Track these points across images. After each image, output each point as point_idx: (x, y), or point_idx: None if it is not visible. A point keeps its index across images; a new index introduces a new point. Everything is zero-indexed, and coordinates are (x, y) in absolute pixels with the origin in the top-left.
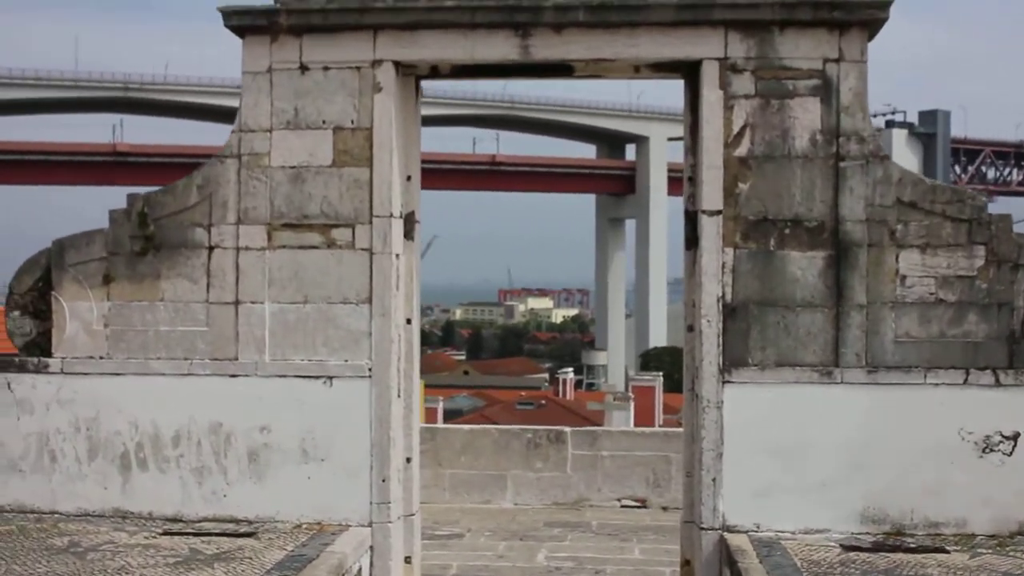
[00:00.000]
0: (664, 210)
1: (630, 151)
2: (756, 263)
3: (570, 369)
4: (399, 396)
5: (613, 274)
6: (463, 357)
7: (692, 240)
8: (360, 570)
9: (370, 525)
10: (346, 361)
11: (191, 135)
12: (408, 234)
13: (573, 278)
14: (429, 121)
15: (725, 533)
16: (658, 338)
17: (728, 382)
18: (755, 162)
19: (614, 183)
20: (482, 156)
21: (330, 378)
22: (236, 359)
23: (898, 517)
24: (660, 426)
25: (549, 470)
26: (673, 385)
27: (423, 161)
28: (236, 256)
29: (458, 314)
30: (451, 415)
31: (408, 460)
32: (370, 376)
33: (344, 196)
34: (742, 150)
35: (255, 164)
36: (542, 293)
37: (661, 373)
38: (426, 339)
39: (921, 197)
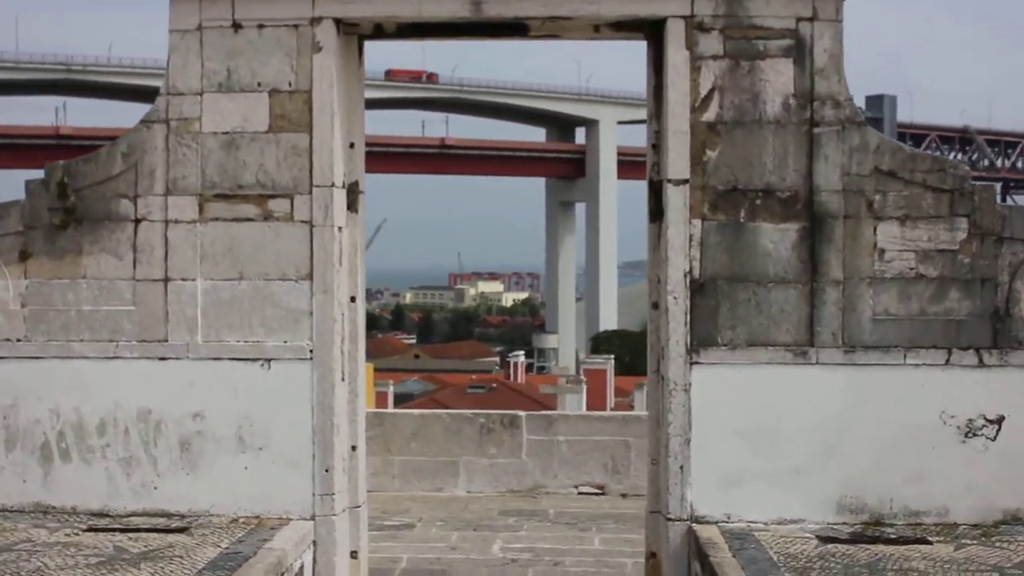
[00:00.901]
0: (614, 193)
1: (580, 134)
2: (725, 236)
3: (521, 352)
4: (343, 379)
5: (563, 257)
6: (413, 341)
7: (657, 212)
8: (302, 567)
9: (313, 519)
10: (285, 342)
11: (135, 117)
12: (352, 205)
13: (523, 262)
14: (377, 104)
15: (694, 524)
16: (608, 321)
17: (696, 363)
18: (724, 128)
19: (564, 166)
20: (431, 139)
21: (268, 360)
22: (166, 341)
23: (876, 506)
24: (612, 409)
25: (503, 456)
26: (623, 368)
27: (371, 144)
28: (165, 229)
29: (408, 298)
30: (401, 399)
31: (354, 448)
32: (311, 358)
33: (282, 164)
34: (710, 115)
35: (184, 130)
36: (492, 277)
37: (612, 356)
38: (376, 323)
39: (900, 166)
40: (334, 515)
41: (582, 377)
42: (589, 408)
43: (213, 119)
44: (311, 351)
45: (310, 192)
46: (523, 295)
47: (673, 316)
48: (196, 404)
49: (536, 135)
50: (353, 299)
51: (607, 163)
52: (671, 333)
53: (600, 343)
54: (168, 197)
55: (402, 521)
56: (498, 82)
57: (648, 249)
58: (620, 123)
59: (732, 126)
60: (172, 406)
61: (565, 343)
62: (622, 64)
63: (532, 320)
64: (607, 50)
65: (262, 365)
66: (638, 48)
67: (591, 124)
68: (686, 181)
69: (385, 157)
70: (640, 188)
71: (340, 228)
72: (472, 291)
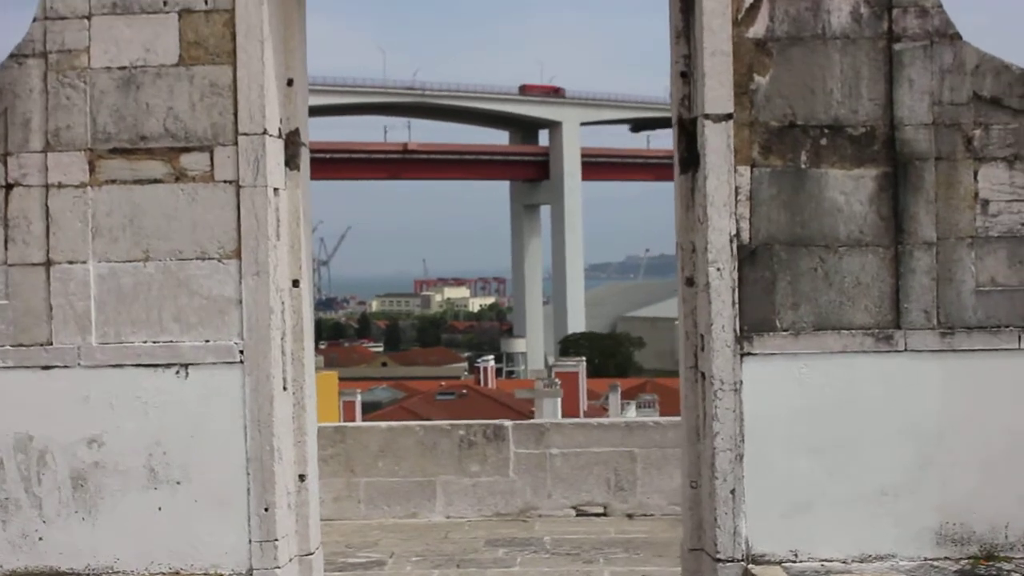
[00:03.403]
0: (579, 195)
1: (543, 137)
2: (782, 187)
3: (491, 357)
4: (285, 388)
5: (529, 261)
6: (380, 349)
7: (689, 159)
8: None
9: (249, 574)
10: (207, 342)
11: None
12: (292, 161)
13: (489, 267)
14: (337, 110)
15: (751, 566)
16: (576, 324)
17: (748, 355)
18: (777, 46)
19: (528, 169)
20: (393, 144)
21: (185, 366)
22: (49, 344)
23: (987, 534)
24: (585, 412)
25: (487, 474)
26: (594, 370)
27: (332, 151)
28: (44, 197)
29: (374, 306)
30: (369, 408)
31: (302, 478)
32: (242, 362)
33: (197, 107)
34: (758, 29)
35: (68, 65)
36: (458, 283)
37: (584, 359)
38: (343, 332)
39: (1007, 90)
40: (278, 568)
41: (557, 380)
42: (563, 413)
43: (105, 50)
44: (241, 352)
45: (235, 143)
46: (490, 300)
47: (716, 294)
48: (92, 427)
49: (499, 138)
50: (297, 283)
51: (571, 165)
52: (714, 316)
53: (569, 346)
54: (48, 154)
55: (370, 558)
56: (460, 85)
57: (676, 208)
58: (583, 124)
59: (787, 44)
60: (60, 431)
61: (534, 347)
62: (584, 66)
63: (500, 325)
64: (569, 52)
65: (177, 372)
66: (601, 48)
67: (554, 126)
68: (729, 116)
69: (346, 163)
70: (605, 190)
71: (276, 190)
72: (439, 297)
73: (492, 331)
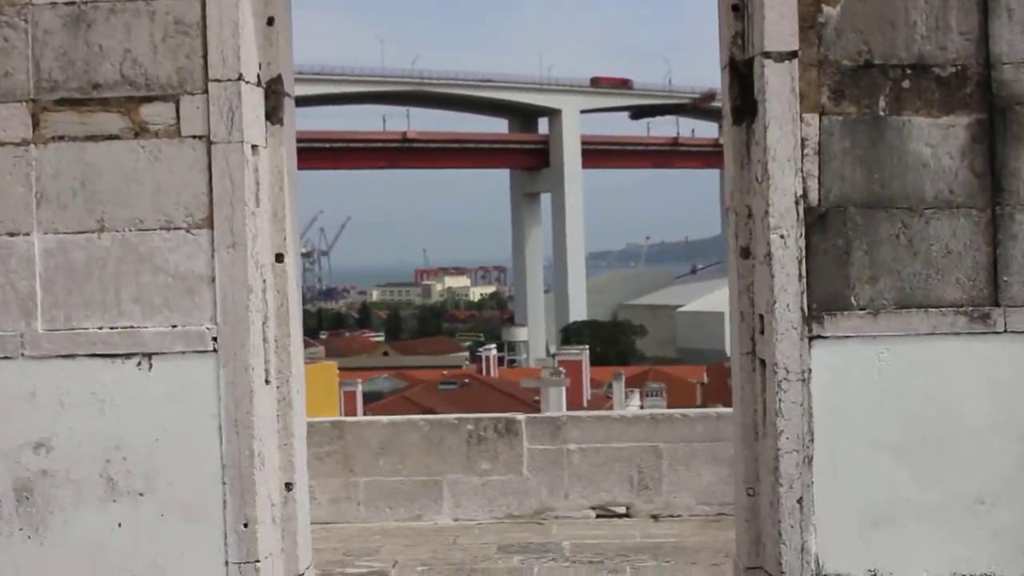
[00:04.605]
0: (579, 183)
1: (543, 125)
2: (857, 138)
3: (493, 345)
4: (268, 382)
5: (530, 249)
6: (382, 338)
7: (743, 107)
8: None
9: None
10: (174, 327)
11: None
12: (274, 114)
13: (489, 255)
14: (336, 100)
15: None
16: (578, 312)
17: (818, 337)
18: None
19: (528, 157)
20: (393, 133)
21: (148, 356)
22: None
23: None
24: (588, 401)
25: (499, 472)
26: (596, 358)
27: (331, 140)
28: None
29: (375, 296)
30: (371, 398)
31: (289, 486)
32: (215, 350)
33: (160, 49)
34: None
35: (5, 1)
36: (459, 272)
37: (586, 347)
38: (344, 322)
39: None
40: None
41: (561, 369)
42: (567, 402)
43: None
44: (215, 339)
45: (205, 91)
46: (490, 289)
47: (780, 266)
48: (39, 429)
49: (498, 126)
50: (281, 258)
51: (571, 153)
52: (777, 293)
53: (570, 334)
54: None
55: (371, 567)
56: (459, 73)
57: (728, 167)
58: (583, 112)
59: None
60: (1, 433)
61: (535, 336)
62: (582, 54)
63: (501, 314)
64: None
65: (139, 364)
66: (599, 35)
67: (554, 114)
68: (794, 55)
69: (346, 153)
70: (604, 178)
71: (255, 147)
72: (439, 287)
73: (493, 320)
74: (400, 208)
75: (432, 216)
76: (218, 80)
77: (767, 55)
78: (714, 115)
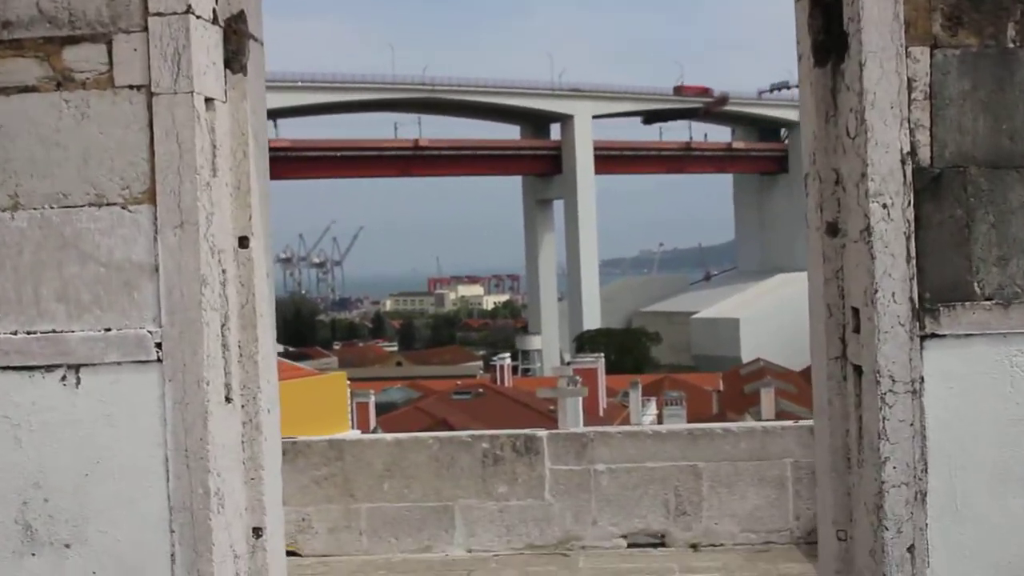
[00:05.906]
0: (592, 189)
1: (555, 130)
2: (980, 78)
3: (507, 355)
4: (229, 400)
5: (543, 257)
6: (395, 348)
7: (828, 42)
8: None
9: None
10: (107, 331)
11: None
12: (235, 60)
13: (503, 263)
14: (347, 107)
15: None
16: (592, 320)
17: (932, 336)
18: None
19: (540, 163)
20: (404, 141)
21: (75, 369)
22: None
23: None
24: (605, 409)
25: (518, 496)
26: (610, 367)
27: (343, 148)
28: None
29: (388, 305)
30: (384, 408)
31: (258, 532)
32: (160, 360)
33: None
34: None
35: None
36: (472, 280)
37: (601, 355)
38: (357, 332)
39: None
40: None
41: (577, 377)
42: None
43: None
44: (159, 346)
45: (144, 28)
46: (504, 297)
47: (882, 245)
48: None
49: (510, 133)
50: (245, 242)
51: (584, 158)
52: (879, 279)
53: (585, 342)
54: None
55: None
56: (469, 80)
57: (807, 122)
58: (595, 117)
59: None
60: None
61: (549, 344)
62: (594, 59)
63: (514, 322)
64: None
65: (64, 379)
66: (611, 38)
67: (566, 119)
68: None
69: (357, 161)
70: (616, 184)
71: (210, 100)
72: (452, 295)
73: (507, 329)
74: (412, 216)
75: (445, 224)
76: (160, 14)
77: None
78: (726, 119)
